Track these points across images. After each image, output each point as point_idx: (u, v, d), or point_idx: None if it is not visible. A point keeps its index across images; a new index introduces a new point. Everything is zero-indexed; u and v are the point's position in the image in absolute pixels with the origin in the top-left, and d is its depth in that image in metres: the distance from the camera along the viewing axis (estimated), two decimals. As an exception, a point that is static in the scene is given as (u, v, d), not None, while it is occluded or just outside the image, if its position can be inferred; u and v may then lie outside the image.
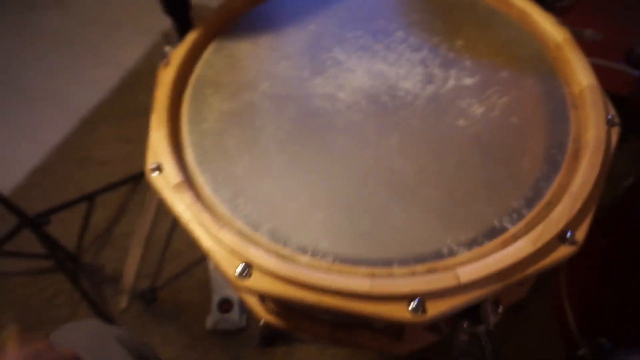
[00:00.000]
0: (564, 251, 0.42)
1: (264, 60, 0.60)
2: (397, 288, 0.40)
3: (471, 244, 0.43)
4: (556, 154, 0.47)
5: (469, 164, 0.48)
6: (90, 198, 1.30)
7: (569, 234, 0.42)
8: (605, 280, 0.80)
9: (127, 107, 1.57)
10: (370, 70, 0.57)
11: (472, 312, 0.46)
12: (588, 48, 0.54)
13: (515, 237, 0.43)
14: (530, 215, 0.44)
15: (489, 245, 0.43)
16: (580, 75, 0.51)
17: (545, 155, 0.48)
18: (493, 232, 0.44)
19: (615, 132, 0.48)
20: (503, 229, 0.44)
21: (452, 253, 0.43)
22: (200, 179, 0.50)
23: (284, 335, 1.09)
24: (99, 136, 1.51)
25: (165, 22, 0.84)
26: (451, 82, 0.55)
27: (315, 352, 1.07)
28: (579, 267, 0.87)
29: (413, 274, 0.42)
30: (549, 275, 0.93)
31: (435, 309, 0.40)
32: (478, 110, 0.52)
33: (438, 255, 0.43)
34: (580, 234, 0.42)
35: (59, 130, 1.53)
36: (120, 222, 1.33)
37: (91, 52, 1.77)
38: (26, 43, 1.82)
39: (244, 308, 1.13)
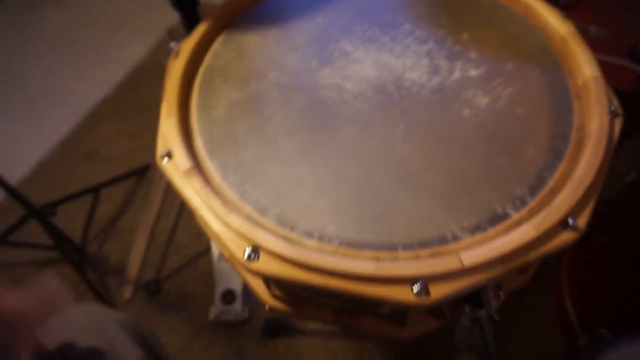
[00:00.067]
0: (565, 237, 0.43)
1: (272, 51, 0.61)
2: (402, 271, 0.41)
3: (474, 229, 0.44)
4: (560, 144, 0.48)
5: (474, 153, 0.49)
6: (95, 191, 1.31)
7: (570, 221, 0.43)
8: (605, 274, 0.81)
9: (131, 103, 1.59)
10: (377, 61, 0.58)
11: (474, 297, 0.47)
12: (593, 44, 0.55)
13: (518, 223, 0.44)
14: (533, 203, 0.45)
15: (492, 230, 0.44)
16: (584, 67, 0.52)
17: (549, 145, 0.49)
18: (496, 218, 0.45)
19: (618, 123, 0.49)
20: (506, 215, 0.45)
21: (455, 238, 0.44)
22: (209, 165, 0.51)
23: (286, 327, 1.10)
24: (103, 132, 1.53)
25: (168, 19, 0.85)
26: (457, 74, 0.56)
27: (318, 344, 1.08)
28: (580, 260, 0.88)
29: (417, 257, 0.43)
30: (550, 267, 0.94)
31: (439, 291, 0.41)
32: (483, 100, 0.53)
33: (442, 240, 0.44)
34: (582, 220, 0.43)
35: (64, 126, 1.54)
36: (124, 215, 1.34)
37: (94, 50, 1.78)
38: (29, 42, 1.83)
39: (247, 300, 1.14)
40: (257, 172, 0.50)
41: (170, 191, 1.33)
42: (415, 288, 0.41)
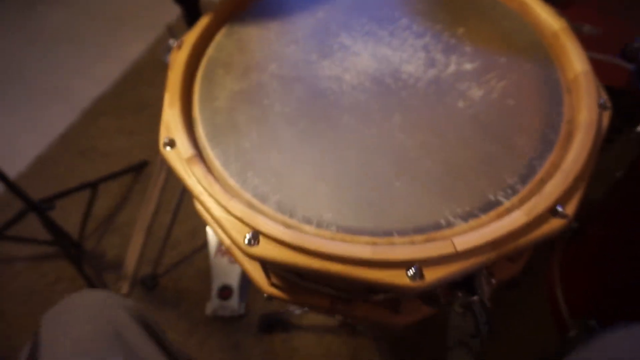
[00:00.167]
0: (555, 224, 0.44)
1: (274, 43, 0.62)
2: (397, 255, 0.42)
3: (468, 216, 0.46)
4: (550, 135, 0.50)
5: (468, 142, 0.51)
6: (93, 186, 1.32)
7: (559, 208, 0.44)
8: (596, 267, 0.83)
9: (129, 100, 1.60)
10: (375, 54, 0.60)
11: (466, 284, 0.48)
12: (586, 42, 0.57)
13: (510, 210, 0.45)
14: (524, 191, 0.47)
15: (485, 217, 0.46)
16: (575, 61, 0.53)
17: (540, 136, 0.50)
18: (489, 206, 0.46)
19: (606, 116, 0.50)
20: (498, 203, 0.46)
21: (449, 224, 0.46)
22: (211, 153, 0.53)
23: (283, 323, 1.11)
24: (102, 128, 1.54)
25: (167, 17, 0.86)
26: (452, 67, 0.57)
27: (313, 340, 1.09)
28: (571, 253, 0.89)
29: (412, 243, 0.45)
30: (542, 260, 0.95)
31: (433, 275, 0.42)
32: (477, 93, 0.55)
33: (436, 226, 0.46)
34: (570, 208, 0.45)
35: (62, 122, 1.55)
36: (122, 211, 1.35)
37: (94, 47, 1.79)
38: (29, 38, 1.84)
39: (244, 295, 1.15)
40: (258, 160, 0.52)
41: (167, 188, 1.34)
42: (410, 272, 0.42)
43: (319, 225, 0.47)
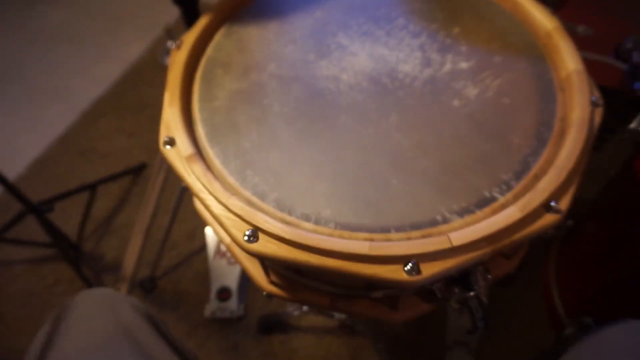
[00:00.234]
0: (549, 219, 0.45)
1: (272, 43, 0.63)
2: (394, 250, 0.43)
3: (463, 212, 0.47)
4: (544, 132, 0.51)
5: (463, 140, 0.52)
6: (92, 188, 1.32)
7: (553, 203, 0.45)
8: (591, 265, 0.83)
9: (129, 102, 1.60)
10: (372, 54, 0.61)
11: (463, 280, 0.49)
12: (581, 43, 0.58)
13: (504, 206, 0.46)
14: (518, 187, 0.48)
15: (480, 213, 0.46)
16: (568, 60, 0.54)
17: (534, 133, 0.51)
18: (484, 202, 0.47)
19: (598, 113, 0.51)
20: (493, 199, 0.47)
21: (445, 220, 0.46)
22: (210, 152, 0.53)
23: (281, 324, 1.11)
24: (101, 129, 1.54)
25: (166, 18, 0.87)
26: (448, 66, 0.58)
27: (312, 341, 1.09)
28: (567, 251, 0.90)
29: (409, 238, 0.45)
30: (538, 258, 0.96)
31: (429, 270, 0.43)
32: (472, 91, 0.56)
33: (432, 223, 0.46)
34: (564, 203, 0.46)
35: (62, 123, 1.55)
36: (120, 213, 1.35)
37: (93, 47, 1.79)
38: (29, 38, 1.84)
39: (242, 297, 1.15)
40: (257, 159, 0.52)
41: (166, 190, 1.34)
42: (407, 267, 0.43)
43: (317, 222, 0.47)
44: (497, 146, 0.51)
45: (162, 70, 0.61)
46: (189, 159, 0.51)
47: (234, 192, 0.50)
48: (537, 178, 0.48)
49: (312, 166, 0.51)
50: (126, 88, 1.65)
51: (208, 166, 0.52)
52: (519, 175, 0.48)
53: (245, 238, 0.46)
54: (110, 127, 1.53)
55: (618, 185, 0.78)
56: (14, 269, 1.26)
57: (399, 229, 0.46)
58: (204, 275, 1.19)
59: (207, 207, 0.48)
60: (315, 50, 0.62)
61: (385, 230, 0.46)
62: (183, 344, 0.58)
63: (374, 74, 0.59)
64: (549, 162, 0.48)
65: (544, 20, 0.59)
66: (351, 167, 0.51)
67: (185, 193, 1.25)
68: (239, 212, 0.46)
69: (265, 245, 0.45)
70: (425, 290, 0.54)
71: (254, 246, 0.45)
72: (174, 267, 1.24)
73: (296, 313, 1.09)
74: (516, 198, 0.46)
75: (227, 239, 0.56)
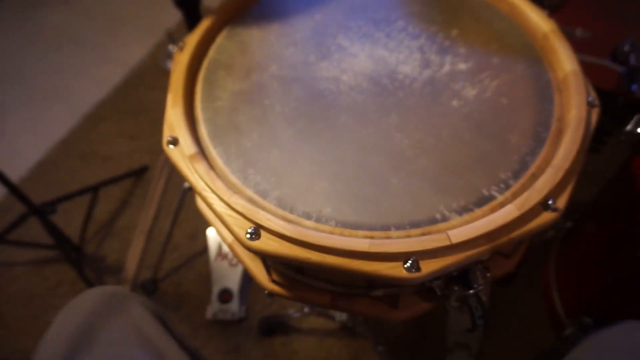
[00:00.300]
0: (546, 217, 0.45)
1: (273, 45, 0.64)
2: (394, 248, 0.44)
3: (462, 210, 0.47)
4: (541, 132, 0.52)
5: (462, 140, 0.53)
6: (94, 190, 1.33)
7: (551, 202, 0.46)
8: (591, 265, 0.84)
9: (130, 105, 1.60)
10: (372, 55, 0.62)
11: (462, 278, 0.50)
12: (578, 45, 0.59)
13: (503, 205, 0.47)
14: (516, 186, 0.48)
15: (479, 211, 0.47)
16: (565, 61, 0.55)
17: (532, 133, 0.52)
18: (482, 200, 0.48)
19: (595, 113, 0.52)
20: (492, 198, 0.48)
21: (444, 218, 0.47)
22: (213, 151, 0.54)
23: (283, 326, 1.11)
24: (102, 132, 1.54)
25: (168, 21, 0.87)
26: (446, 67, 0.59)
27: (313, 343, 1.09)
28: (567, 252, 0.91)
29: (408, 236, 0.46)
30: (538, 259, 0.96)
31: (429, 267, 0.43)
32: (471, 92, 0.56)
33: (432, 221, 0.47)
34: (561, 202, 0.46)
35: (63, 126, 1.55)
36: (122, 215, 1.35)
37: (95, 50, 1.80)
38: (31, 40, 1.85)
39: (244, 299, 1.16)
40: (258, 158, 0.53)
41: (167, 192, 1.34)
42: (407, 264, 0.43)
43: (318, 220, 0.48)
44: (495, 146, 0.52)
45: (163, 74, 0.62)
46: (192, 158, 0.52)
47: (236, 190, 0.51)
48: (534, 177, 0.48)
49: (312, 165, 0.52)
50: (127, 92, 1.65)
51: (211, 165, 0.53)
52: (517, 174, 0.49)
53: (248, 236, 0.46)
54: (111, 131, 1.54)
55: (616, 187, 0.79)
56: (16, 271, 1.26)
57: (398, 227, 0.47)
58: (206, 277, 1.20)
59: (209, 205, 0.49)
60: (316, 51, 0.63)
61: (385, 228, 0.47)
62: (186, 338, 0.59)
63: (374, 75, 0.60)
64: (547, 162, 0.49)
65: (540, 22, 0.60)
66: (351, 166, 0.52)
67: (186, 195, 1.26)
68: (241, 210, 0.47)
69: (267, 243, 0.46)
70: (425, 289, 0.54)
71: (256, 244, 0.46)
72: (176, 269, 1.24)
73: (297, 315, 1.10)
74: (514, 196, 0.47)
75: (229, 238, 0.56)
